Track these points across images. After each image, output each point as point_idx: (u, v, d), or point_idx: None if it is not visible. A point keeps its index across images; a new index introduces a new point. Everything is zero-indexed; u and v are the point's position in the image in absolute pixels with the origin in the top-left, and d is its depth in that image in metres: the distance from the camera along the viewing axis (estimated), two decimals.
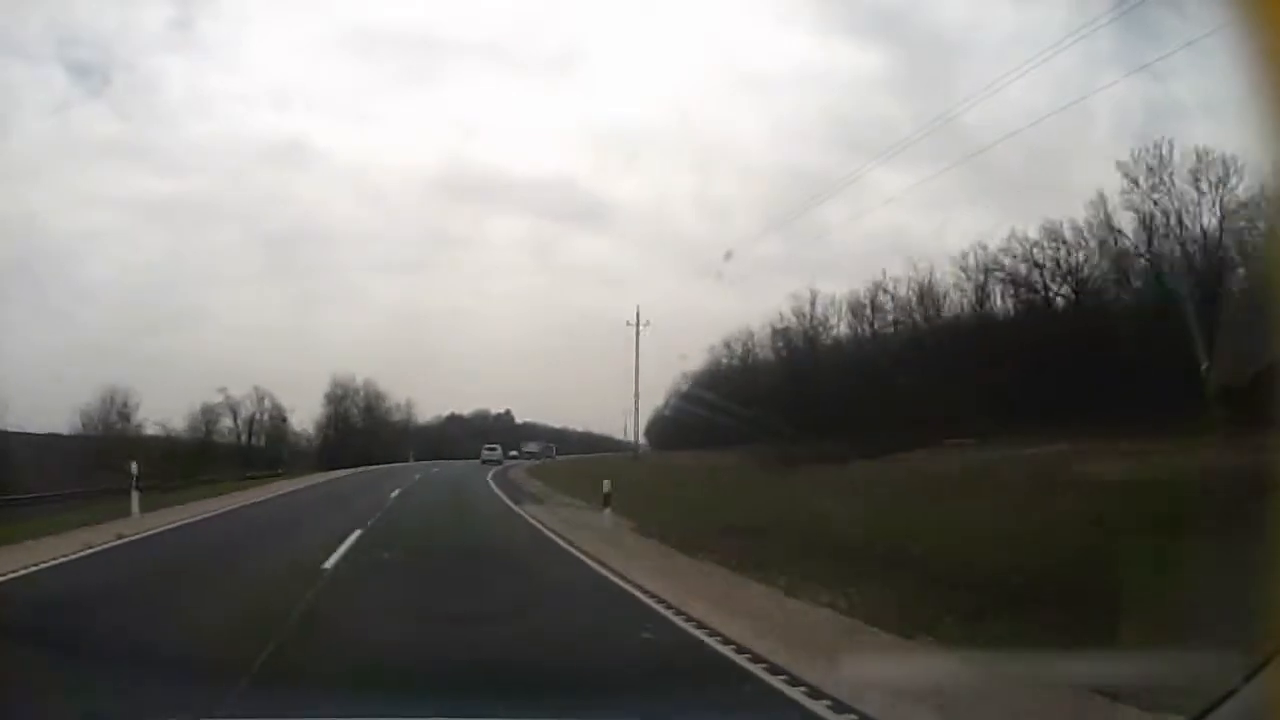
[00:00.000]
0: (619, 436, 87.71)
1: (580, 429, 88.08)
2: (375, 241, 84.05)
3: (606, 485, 17.11)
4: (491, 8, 77.79)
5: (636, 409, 42.27)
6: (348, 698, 5.10)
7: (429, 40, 77.14)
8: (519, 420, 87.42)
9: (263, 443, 57.13)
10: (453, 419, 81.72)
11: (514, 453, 66.47)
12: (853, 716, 4.66)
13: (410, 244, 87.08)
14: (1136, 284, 26.51)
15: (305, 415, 60.89)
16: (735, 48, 74.05)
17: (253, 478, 36.39)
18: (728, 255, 61.80)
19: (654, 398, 73.71)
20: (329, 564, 10.65)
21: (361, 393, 68.53)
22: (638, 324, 46.91)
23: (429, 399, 66.57)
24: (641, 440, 76.63)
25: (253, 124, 70.16)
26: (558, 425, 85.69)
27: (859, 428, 26.90)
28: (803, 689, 5.18)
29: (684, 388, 50.71)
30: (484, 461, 56.16)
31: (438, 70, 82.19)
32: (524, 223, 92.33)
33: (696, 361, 50.10)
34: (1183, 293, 20.32)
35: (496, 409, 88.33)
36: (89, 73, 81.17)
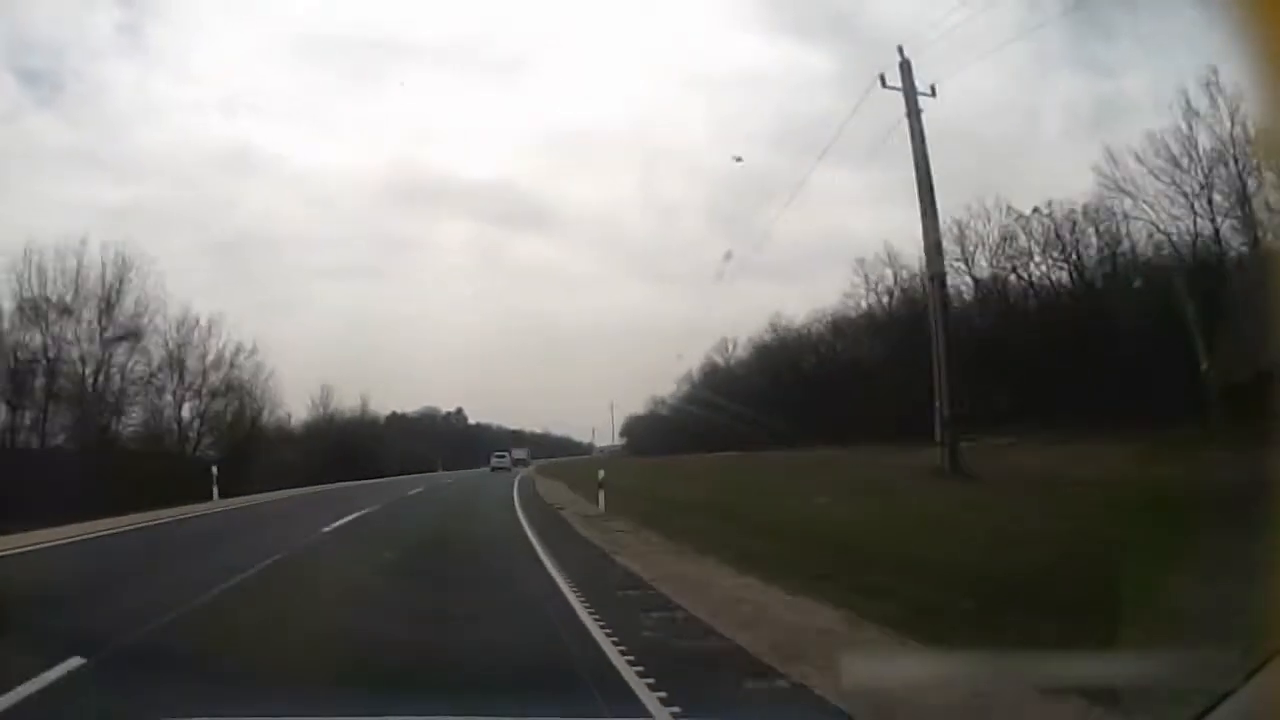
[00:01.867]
0: (579, 438, 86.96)
1: (538, 430, 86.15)
2: (324, 246, 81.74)
3: None
4: (442, 14, 77.37)
5: (931, 263, 21.68)
6: None
7: (379, 45, 76.42)
8: (472, 420, 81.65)
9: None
10: (394, 419, 67.39)
11: (505, 457, 64.58)
12: None
13: (361, 248, 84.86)
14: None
15: None
16: (686, 50, 73.97)
17: None
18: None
19: (630, 402, 72.47)
20: None
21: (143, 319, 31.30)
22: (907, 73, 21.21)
23: (374, 400, 58.77)
24: (607, 444, 74.52)
25: (203, 130, 67.97)
26: (513, 426, 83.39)
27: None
28: None
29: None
30: (494, 469, 56.01)
31: (387, 75, 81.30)
32: (475, 226, 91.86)
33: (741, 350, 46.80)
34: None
35: (447, 407, 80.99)
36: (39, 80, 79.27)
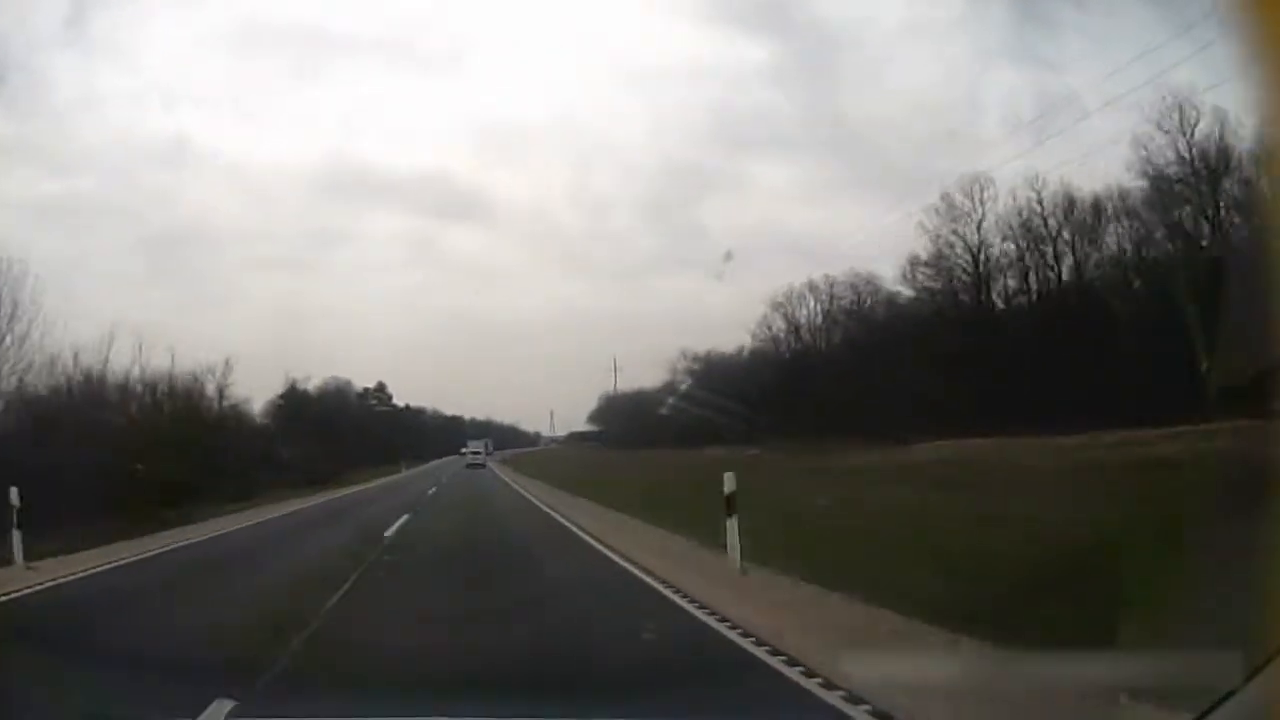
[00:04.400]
0: (525, 428, 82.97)
1: (480, 418, 78.86)
2: (258, 238, 74.75)
3: None
4: (378, 6, 75.01)
5: None
6: None
7: (316, 37, 73.52)
8: (399, 402, 68.36)
9: None
10: (290, 395, 46.41)
11: (481, 452, 58.70)
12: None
13: (296, 240, 76.40)
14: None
15: None
16: (623, 43, 72.89)
17: None
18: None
19: (593, 394, 69.91)
20: None
21: None
22: None
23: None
24: (559, 433, 71.09)
25: (140, 122, 62.73)
26: (450, 413, 77.06)
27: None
28: None
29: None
30: (468, 465, 52.40)
31: (324, 67, 76.92)
32: (408, 218, 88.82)
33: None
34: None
35: (365, 382, 62.87)
36: None
